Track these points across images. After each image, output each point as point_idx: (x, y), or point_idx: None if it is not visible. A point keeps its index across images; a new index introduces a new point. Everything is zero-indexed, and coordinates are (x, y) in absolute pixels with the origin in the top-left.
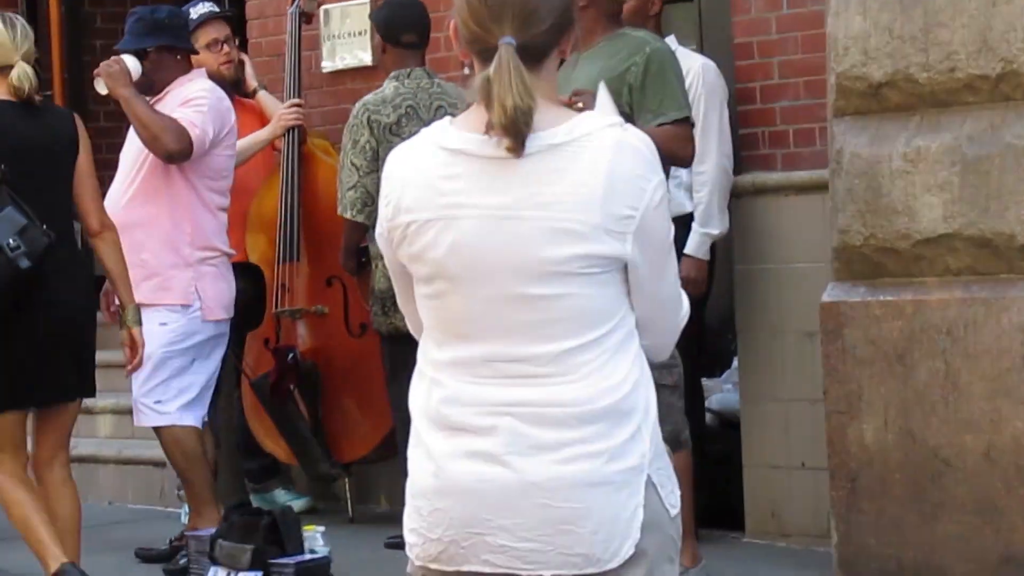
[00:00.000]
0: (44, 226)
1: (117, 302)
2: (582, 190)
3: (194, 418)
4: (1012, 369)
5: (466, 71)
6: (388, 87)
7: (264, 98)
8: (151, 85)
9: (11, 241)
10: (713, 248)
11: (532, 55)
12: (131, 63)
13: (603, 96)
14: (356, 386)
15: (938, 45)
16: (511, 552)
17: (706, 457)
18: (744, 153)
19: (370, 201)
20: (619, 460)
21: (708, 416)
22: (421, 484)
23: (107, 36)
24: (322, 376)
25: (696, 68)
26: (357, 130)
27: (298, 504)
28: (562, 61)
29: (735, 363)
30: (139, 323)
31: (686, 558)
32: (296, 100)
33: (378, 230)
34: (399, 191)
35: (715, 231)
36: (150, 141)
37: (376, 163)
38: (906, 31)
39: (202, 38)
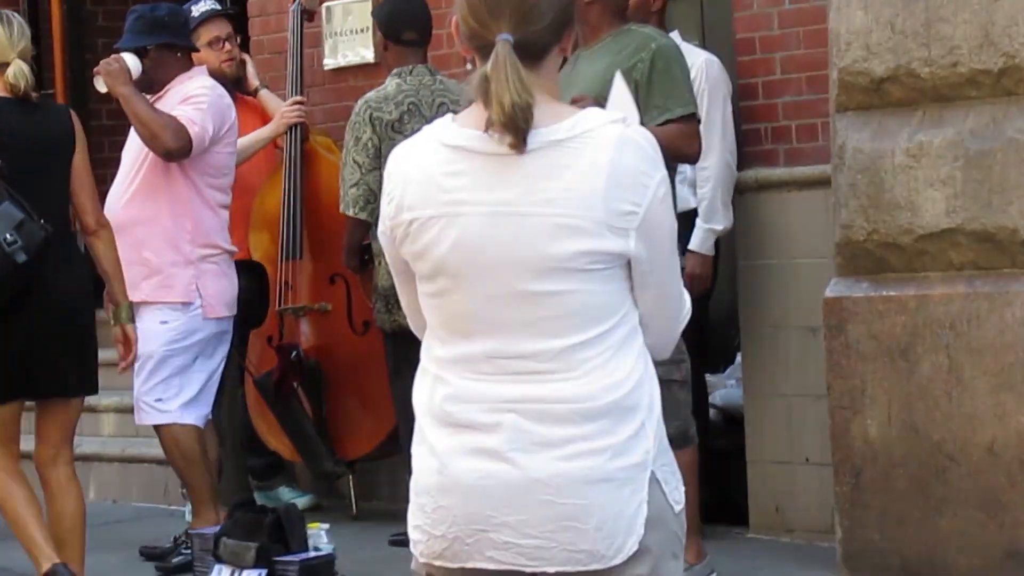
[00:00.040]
0: (41, 221)
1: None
2: (584, 186)
3: (196, 417)
4: (1015, 363)
5: (468, 67)
6: (390, 84)
7: (266, 97)
8: (151, 83)
9: (8, 236)
10: (717, 244)
11: (531, 52)
12: (131, 61)
13: (619, 86)
14: (359, 383)
15: (940, 40)
16: (515, 549)
17: (710, 453)
18: (746, 149)
19: (372, 198)
20: (623, 456)
21: (712, 412)
22: (425, 481)
23: (109, 34)
24: (325, 374)
25: (700, 63)
26: (359, 127)
27: (302, 501)
28: (565, 59)
29: (738, 359)
30: (132, 320)
31: (690, 554)
32: (298, 98)
33: (380, 228)
34: (401, 188)
35: (719, 227)
36: (149, 139)
37: (378, 160)
38: (908, 26)
39: (204, 36)
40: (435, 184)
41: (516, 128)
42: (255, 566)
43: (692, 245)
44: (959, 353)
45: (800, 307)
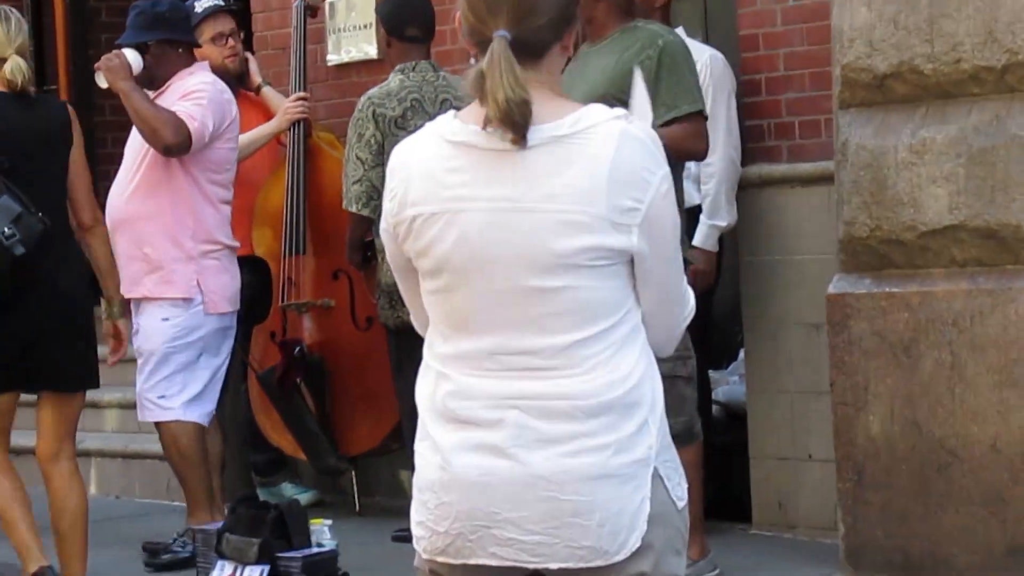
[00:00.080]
0: (39, 215)
1: (124, 296)
2: (587, 182)
3: (199, 414)
4: (1018, 360)
5: (472, 63)
6: (393, 80)
7: (268, 94)
8: (153, 79)
9: (6, 229)
10: (720, 240)
11: (530, 49)
12: (132, 57)
13: (639, 84)
14: (362, 379)
15: (943, 36)
16: (518, 545)
17: (713, 449)
18: (750, 145)
19: (375, 195)
20: (625, 453)
21: (715, 408)
22: (428, 477)
23: (112, 30)
24: (328, 370)
25: (704, 60)
26: (362, 124)
27: (305, 497)
28: (569, 58)
29: (741, 355)
30: (123, 316)
31: (694, 550)
32: (302, 94)
33: (382, 225)
34: (404, 185)
35: (723, 223)
36: (148, 135)
37: (381, 157)
38: (911, 22)
39: (207, 32)
40: (438, 180)
41: (513, 123)
42: (258, 562)
43: (696, 241)
44: (962, 350)
45: (803, 304)
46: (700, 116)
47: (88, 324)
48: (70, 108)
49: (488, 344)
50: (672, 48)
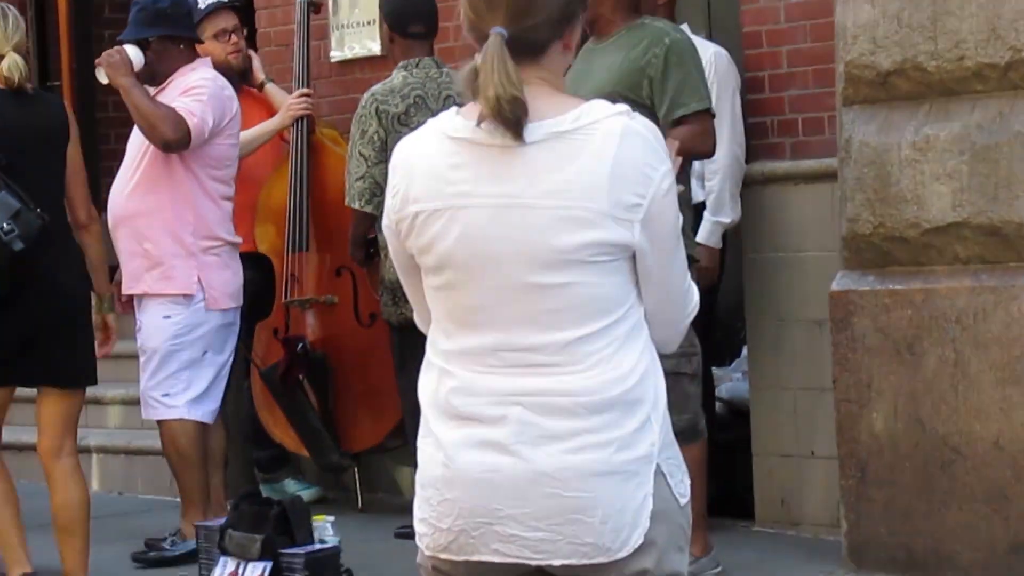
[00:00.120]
0: (38, 210)
1: (125, 293)
2: (588, 177)
3: (203, 413)
4: (1022, 357)
5: (476, 59)
6: (397, 77)
7: (272, 91)
8: (154, 75)
9: (5, 225)
10: (724, 237)
11: (529, 46)
12: (133, 53)
13: None
14: (365, 376)
15: (947, 34)
16: (521, 541)
17: (716, 446)
18: (753, 142)
19: (378, 191)
20: (628, 450)
21: (718, 405)
22: (430, 474)
23: (115, 26)
24: (331, 366)
25: (709, 56)
26: (365, 120)
27: (308, 494)
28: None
29: (744, 352)
30: (112, 310)
31: (696, 547)
32: (305, 90)
33: (384, 222)
34: (406, 181)
35: (727, 219)
36: (147, 131)
37: (384, 153)
38: (915, 20)
39: (210, 28)
40: (440, 177)
41: (505, 120)
42: (260, 558)
43: (699, 238)
44: (965, 347)
45: (806, 300)
46: (708, 114)
47: (87, 320)
48: (67, 105)
49: (491, 340)
50: (679, 46)
